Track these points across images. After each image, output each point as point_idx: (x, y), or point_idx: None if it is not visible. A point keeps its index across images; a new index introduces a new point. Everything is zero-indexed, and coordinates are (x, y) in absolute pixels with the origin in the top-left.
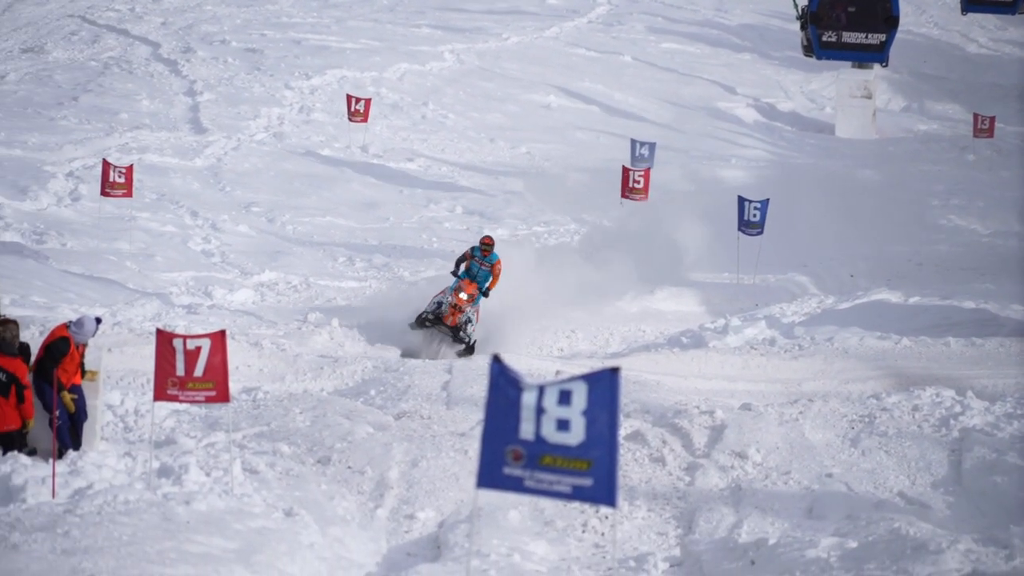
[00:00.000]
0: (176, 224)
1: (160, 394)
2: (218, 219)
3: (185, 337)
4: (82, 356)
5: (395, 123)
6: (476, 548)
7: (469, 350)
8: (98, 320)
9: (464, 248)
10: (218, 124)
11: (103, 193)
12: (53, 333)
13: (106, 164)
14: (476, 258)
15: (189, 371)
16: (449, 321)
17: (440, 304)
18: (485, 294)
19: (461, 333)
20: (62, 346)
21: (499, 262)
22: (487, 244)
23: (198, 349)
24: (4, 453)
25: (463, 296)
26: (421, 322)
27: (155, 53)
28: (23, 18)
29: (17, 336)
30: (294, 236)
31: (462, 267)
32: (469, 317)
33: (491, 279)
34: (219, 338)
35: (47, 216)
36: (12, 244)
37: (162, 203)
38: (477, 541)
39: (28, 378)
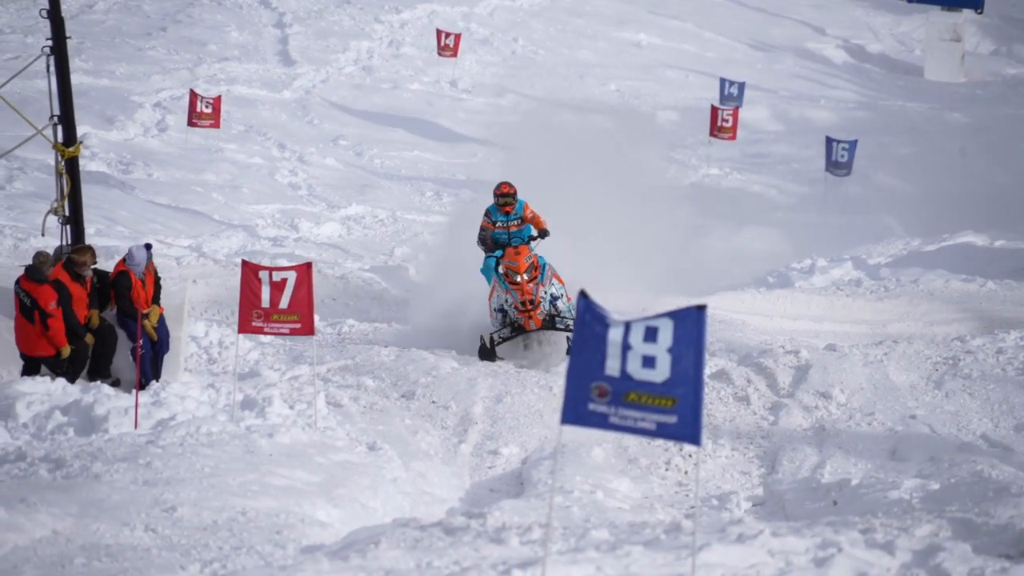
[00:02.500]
0: (263, 156)
1: (245, 326)
2: (305, 152)
3: (271, 269)
4: (156, 286)
5: (485, 58)
6: (559, 485)
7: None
8: (148, 247)
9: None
10: (307, 57)
11: (190, 124)
12: (114, 271)
13: (193, 95)
14: (499, 223)
15: (274, 303)
16: (532, 323)
17: (503, 312)
18: (543, 235)
19: (558, 320)
20: (123, 281)
21: (528, 206)
22: (505, 194)
23: (284, 281)
24: (37, 375)
25: (522, 278)
26: (491, 350)
27: None
28: None
29: (88, 263)
30: (382, 170)
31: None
32: (551, 292)
33: (532, 231)
34: (305, 270)
35: (134, 146)
36: (98, 174)
37: (249, 135)
38: (560, 478)
39: (52, 306)
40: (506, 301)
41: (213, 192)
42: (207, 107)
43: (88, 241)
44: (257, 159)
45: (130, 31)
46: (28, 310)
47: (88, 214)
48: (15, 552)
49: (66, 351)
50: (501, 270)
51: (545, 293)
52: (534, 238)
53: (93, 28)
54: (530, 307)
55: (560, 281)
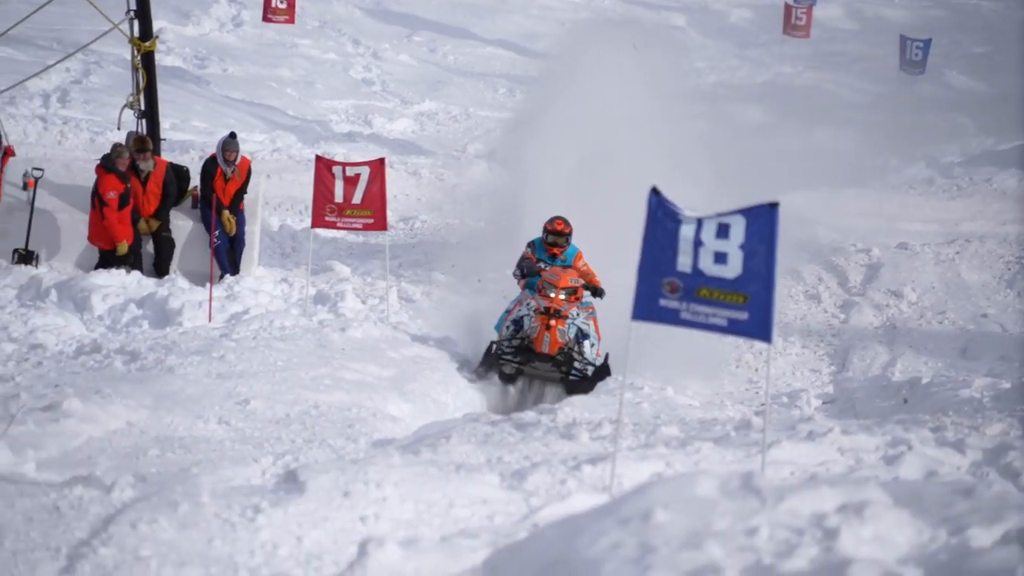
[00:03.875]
0: (337, 52)
1: (318, 221)
2: (379, 48)
3: (344, 164)
4: (242, 185)
5: None
6: (629, 381)
7: (595, 378)
8: (232, 135)
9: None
10: None
11: (265, 19)
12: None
13: None
14: (543, 264)
15: (347, 198)
16: (545, 347)
17: (519, 324)
18: (597, 293)
19: (576, 363)
20: (208, 167)
21: (580, 255)
22: (558, 232)
23: (357, 177)
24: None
25: (557, 292)
26: (493, 364)
27: None
28: None
29: (128, 157)
30: (455, 66)
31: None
32: (582, 327)
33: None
34: (378, 166)
35: (209, 41)
36: (174, 69)
37: (324, 30)
38: (630, 375)
39: (110, 195)
40: (528, 305)
41: (287, 87)
42: (282, 2)
43: (164, 135)
44: (331, 55)
45: None
46: (93, 197)
47: (164, 108)
48: (90, 443)
49: (122, 247)
50: (539, 285)
51: (577, 317)
52: (596, 294)
53: None
54: (554, 315)
55: (597, 330)
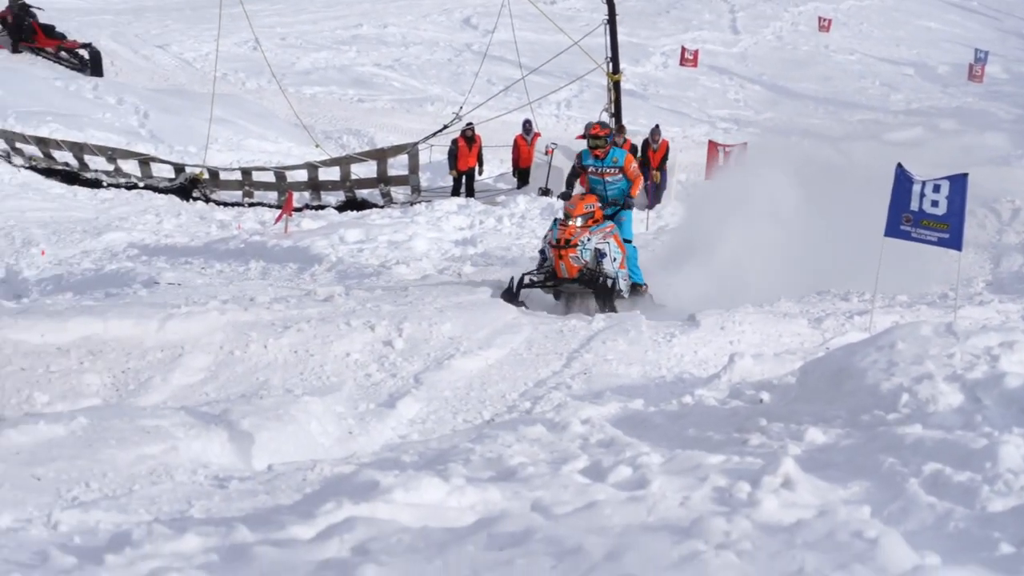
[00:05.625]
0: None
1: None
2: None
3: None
4: (663, 156)
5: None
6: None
7: (609, 299)
8: (656, 126)
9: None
10: None
11: (681, 63)
12: None
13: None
14: (592, 167)
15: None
16: (563, 267)
17: (543, 255)
18: (628, 206)
19: (600, 278)
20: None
21: (630, 159)
22: (594, 136)
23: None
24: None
25: (573, 221)
26: (514, 293)
27: None
28: None
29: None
30: None
31: (577, 185)
32: (600, 247)
33: (631, 186)
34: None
35: (648, 75)
36: (629, 90)
37: (712, 72)
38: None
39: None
40: (547, 237)
41: (693, 103)
42: (690, 55)
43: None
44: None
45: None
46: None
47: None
48: None
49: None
50: (561, 214)
51: (589, 242)
52: (613, 203)
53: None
54: (564, 246)
55: (621, 249)
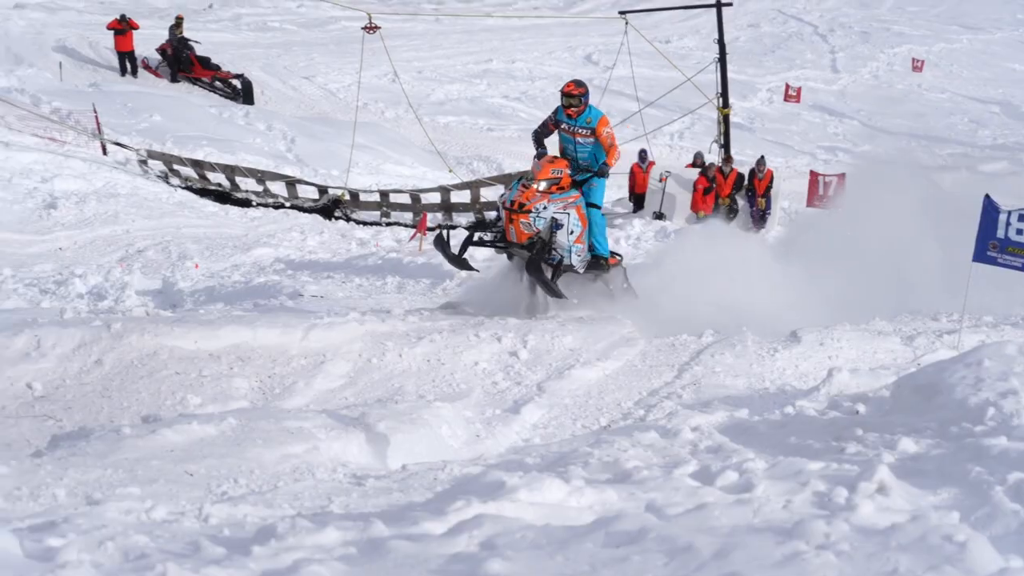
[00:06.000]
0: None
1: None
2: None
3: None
4: (768, 184)
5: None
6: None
7: (551, 276)
8: (761, 157)
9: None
10: None
11: (785, 100)
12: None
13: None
14: (564, 125)
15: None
16: (514, 238)
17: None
18: (599, 172)
19: (549, 253)
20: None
21: (604, 120)
22: (567, 94)
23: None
24: None
25: (534, 185)
26: (456, 251)
27: None
28: None
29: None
30: None
31: (547, 145)
32: (557, 220)
33: (606, 153)
34: None
35: (754, 110)
36: (736, 123)
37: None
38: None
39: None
40: (503, 196)
41: (796, 136)
42: (793, 91)
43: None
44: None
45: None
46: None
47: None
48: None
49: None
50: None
51: (545, 210)
52: (597, 173)
53: (738, 45)
54: (516, 209)
55: (583, 222)
